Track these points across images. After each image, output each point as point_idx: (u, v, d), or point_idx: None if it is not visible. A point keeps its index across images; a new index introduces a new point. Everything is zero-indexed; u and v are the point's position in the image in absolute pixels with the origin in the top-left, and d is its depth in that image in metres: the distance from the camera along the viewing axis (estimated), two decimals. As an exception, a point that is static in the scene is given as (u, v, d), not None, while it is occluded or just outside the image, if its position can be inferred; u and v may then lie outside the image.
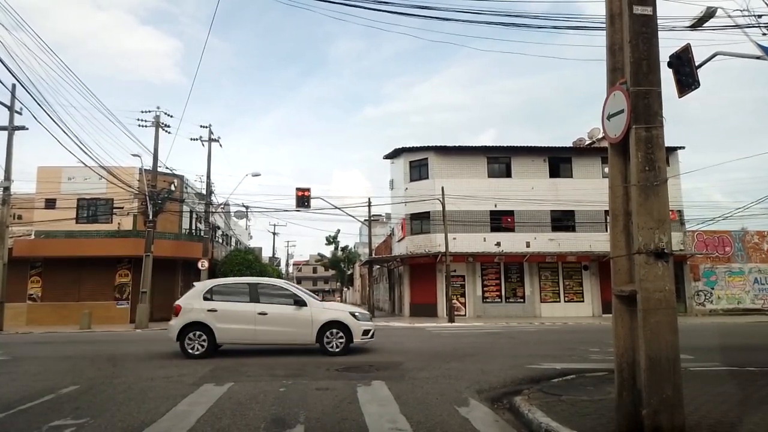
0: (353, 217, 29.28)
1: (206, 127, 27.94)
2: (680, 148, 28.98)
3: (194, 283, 12.44)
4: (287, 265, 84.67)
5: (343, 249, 65.40)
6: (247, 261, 28.49)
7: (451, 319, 24.22)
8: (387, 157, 33.60)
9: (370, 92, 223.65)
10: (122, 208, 25.92)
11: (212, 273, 28.55)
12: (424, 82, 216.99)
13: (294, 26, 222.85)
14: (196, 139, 27.81)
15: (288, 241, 79.27)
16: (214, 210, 28.50)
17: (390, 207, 32.96)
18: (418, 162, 30.07)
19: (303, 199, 28.31)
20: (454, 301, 27.01)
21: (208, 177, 27.67)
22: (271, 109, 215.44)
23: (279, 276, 46.63)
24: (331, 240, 64.82)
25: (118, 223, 26.64)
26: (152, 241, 24.05)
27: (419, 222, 29.64)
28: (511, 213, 28.85)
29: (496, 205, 28.67)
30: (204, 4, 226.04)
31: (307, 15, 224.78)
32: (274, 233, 61.67)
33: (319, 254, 69.46)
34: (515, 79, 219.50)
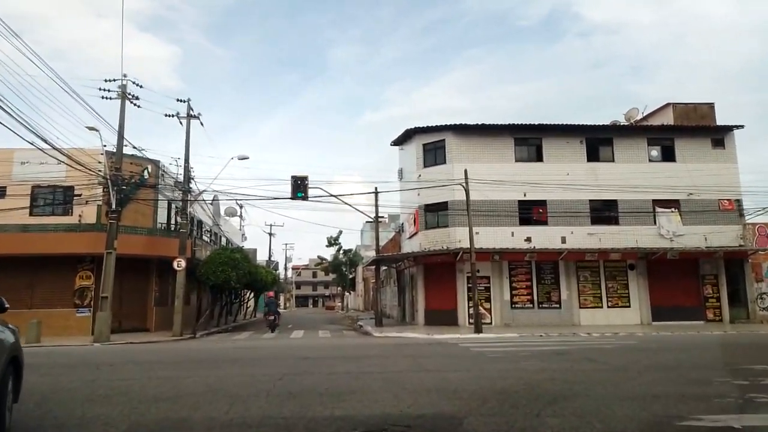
0: (356, 209, 24.99)
1: (184, 101, 23.79)
2: (737, 127, 24.77)
3: None
4: (285, 269, 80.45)
5: (346, 251, 61.28)
6: (232, 260, 24.26)
7: (477, 329, 19.96)
8: (395, 143, 29.41)
9: (371, 97, 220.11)
10: (80, 195, 21.70)
11: (191, 274, 24.29)
12: (423, 87, 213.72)
13: (294, 33, 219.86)
14: (172, 116, 23.63)
15: (286, 244, 74.84)
16: (193, 198, 24.27)
17: (399, 204, 28.74)
18: (433, 144, 25.87)
19: (299, 188, 24.29)
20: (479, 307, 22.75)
21: (186, 161, 23.48)
22: (272, 115, 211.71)
23: (274, 281, 42.31)
24: (333, 241, 60.70)
25: (80, 216, 22.42)
26: (115, 235, 19.86)
27: (435, 214, 25.40)
28: (543, 203, 24.62)
29: (525, 194, 24.43)
30: (204, 12, 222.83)
31: (307, 21, 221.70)
32: (270, 233, 57.52)
33: (319, 257, 65.26)
34: (516, 84, 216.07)
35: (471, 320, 22.01)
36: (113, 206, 19.92)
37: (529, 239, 24.19)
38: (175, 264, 22.29)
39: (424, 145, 26.09)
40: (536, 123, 24.65)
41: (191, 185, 24.02)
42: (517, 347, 12.94)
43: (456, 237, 23.91)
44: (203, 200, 26.42)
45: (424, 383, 7.46)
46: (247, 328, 28.68)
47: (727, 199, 24.45)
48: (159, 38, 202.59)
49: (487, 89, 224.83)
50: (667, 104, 26.34)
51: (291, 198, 24.83)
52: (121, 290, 21.86)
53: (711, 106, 25.87)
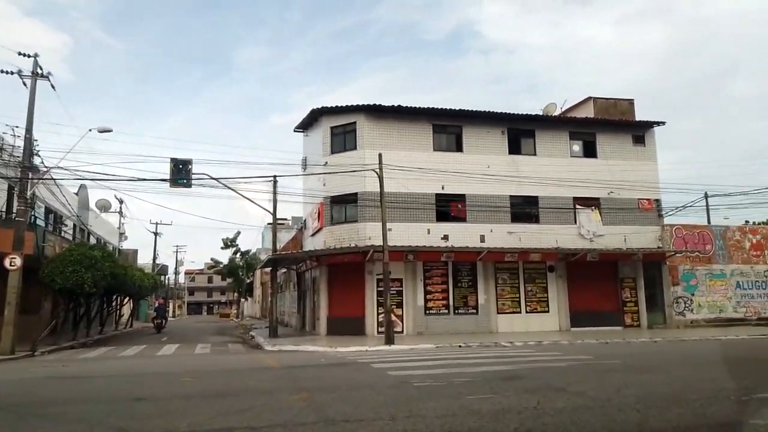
0: (253, 201, 21.06)
1: (30, 56, 18.63)
2: (658, 123, 24.02)
3: None
4: (176, 273, 73.18)
5: (243, 254, 56.16)
6: (88, 259, 19.31)
7: (389, 340, 16.92)
8: (300, 127, 25.86)
9: (278, 100, 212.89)
10: None
11: (31, 274, 19.00)
12: (331, 93, 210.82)
13: (198, 29, 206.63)
14: (12, 73, 18.38)
15: (177, 246, 67.77)
16: (37, 178, 19.07)
17: (302, 200, 25.13)
18: (342, 128, 22.63)
19: (181, 172, 20.26)
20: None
21: (28, 131, 18.31)
22: (171, 113, 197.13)
23: (154, 286, 36.71)
24: (229, 243, 55.44)
25: None
26: None
27: (342, 207, 22.15)
28: (462, 198, 22.23)
29: (443, 187, 21.91)
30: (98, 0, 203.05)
31: (213, 18, 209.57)
32: (155, 233, 51.04)
33: (212, 260, 59.35)
34: (421, 95, 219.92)
35: (381, 329, 18.96)
36: None
37: (446, 237, 21.65)
38: (6, 262, 17.13)
39: (332, 128, 22.77)
40: (457, 108, 22.24)
41: (35, 161, 18.87)
42: (444, 367, 9.93)
43: (366, 233, 20.82)
44: (51, 181, 21.08)
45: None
46: (113, 341, 23.54)
47: (647, 199, 23.53)
48: (47, 24, 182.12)
49: (394, 98, 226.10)
50: (588, 98, 25.17)
51: (170, 184, 20.66)
52: None
53: (631, 102, 25.03)
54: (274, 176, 22.29)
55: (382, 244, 18.04)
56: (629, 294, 23.21)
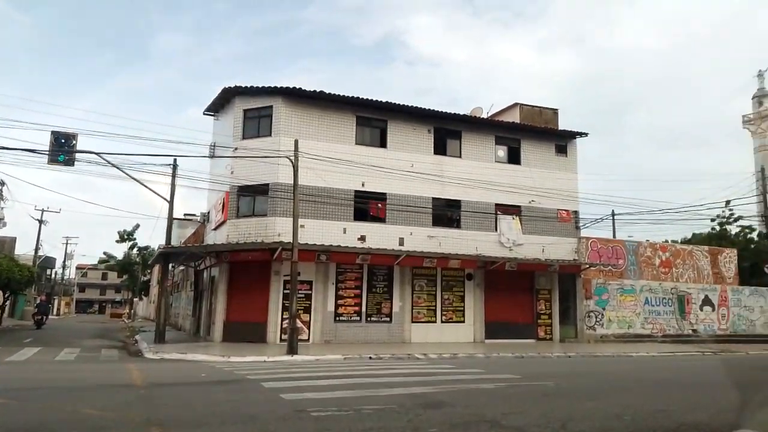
0: (150, 188, 18.23)
1: None
2: (581, 134, 23.93)
3: None
4: (64, 267, 66.14)
5: (141, 249, 51.33)
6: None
7: (291, 349, 14.97)
8: (210, 109, 23.32)
9: (197, 92, 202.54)
10: None
11: None
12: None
13: (112, 9, 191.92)
14: None
15: (67, 237, 61.02)
16: None
17: (209, 191, 22.54)
18: (257, 111, 20.45)
19: (63, 148, 17.63)
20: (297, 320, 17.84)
21: None
22: (79, 95, 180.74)
23: (30, 280, 32.01)
24: (125, 236, 50.54)
25: None
26: None
27: (251, 199, 19.94)
28: (383, 197, 20.75)
29: (364, 184, 20.35)
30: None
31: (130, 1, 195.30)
32: (40, 220, 45.33)
33: (105, 254, 53.88)
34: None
35: (284, 336, 16.93)
36: None
37: (363, 238, 20.05)
38: None
39: (245, 111, 20.52)
40: (383, 100, 20.76)
41: None
42: (352, 387, 8.22)
43: (275, 229, 18.75)
44: None
45: None
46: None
47: (566, 210, 23.30)
48: None
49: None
50: (515, 104, 24.69)
51: (49, 161, 17.77)
52: None
53: (555, 111, 24.85)
54: (174, 159, 19.65)
55: (291, 241, 16.08)
56: (544, 306, 22.79)
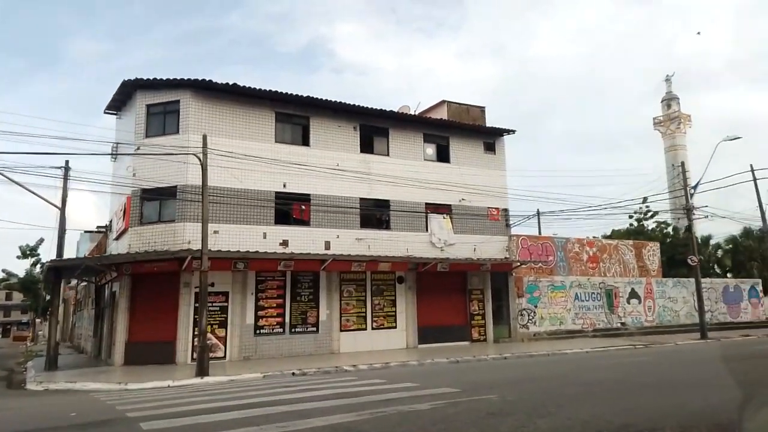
0: (22, 186, 15.73)
1: None
2: (509, 131, 23.59)
3: None
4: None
5: (43, 264, 46.55)
6: None
7: (202, 371, 13.23)
8: (111, 107, 20.95)
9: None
10: None
11: None
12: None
13: (24, 13, 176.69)
14: None
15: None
16: None
17: (111, 195, 20.13)
18: (162, 107, 18.46)
19: None
20: (210, 335, 16.07)
21: None
22: None
23: None
24: (28, 252, 45.83)
25: None
26: None
27: (156, 204, 17.92)
28: (306, 198, 19.33)
29: (285, 185, 18.84)
30: None
31: (41, 4, 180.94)
32: None
33: (4, 271, 48.64)
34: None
35: (196, 356, 15.08)
36: None
37: (285, 243, 18.52)
38: None
39: (149, 106, 18.46)
40: (304, 95, 19.34)
41: None
42: (258, 421, 6.79)
43: (185, 236, 16.87)
44: None
45: None
46: None
47: (495, 208, 22.81)
48: None
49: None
50: (442, 102, 24.04)
51: None
52: None
53: (482, 109, 24.42)
54: (66, 162, 17.31)
55: (201, 248, 14.31)
56: (477, 306, 22.16)
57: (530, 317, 23.43)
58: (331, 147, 20.10)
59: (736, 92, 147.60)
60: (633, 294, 26.01)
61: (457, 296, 21.95)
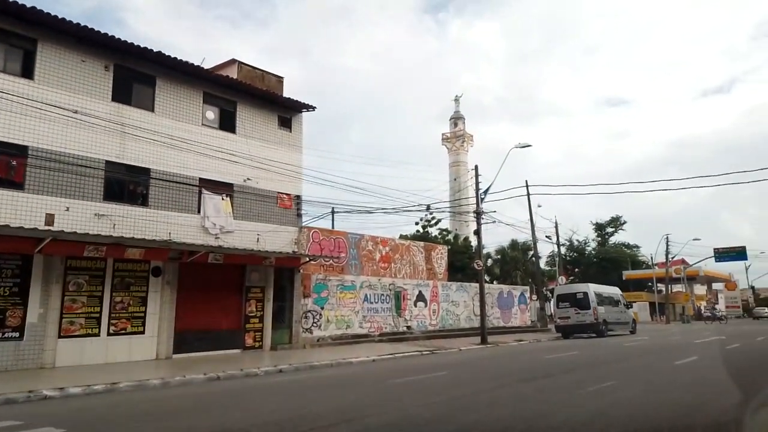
0: None
1: None
2: (308, 108, 20.67)
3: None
4: None
5: None
6: None
7: None
8: None
9: None
10: None
11: None
12: None
13: None
14: None
15: None
16: None
17: None
18: None
19: None
20: None
21: None
22: None
23: None
24: None
25: None
26: None
27: None
28: (22, 150, 13.70)
29: (-16, 126, 13.00)
30: None
31: None
32: None
33: None
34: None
35: None
36: None
37: (-23, 210, 12.69)
38: None
39: None
40: (29, 5, 13.69)
41: None
42: None
43: None
44: None
45: None
46: None
47: (287, 194, 19.71)
48: None
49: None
50: (233, 60, 20.08)
51: None
52: None
53: (280, 79, 21.10)
54: None
55: None
56: (255, 308, 18.69)
57: (315, 320, 20.80)
58: (69, 86, 14.73)
59: (503, 126, 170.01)
60: (420, 297, 25.31)
61: (231, 295, 18.20)
